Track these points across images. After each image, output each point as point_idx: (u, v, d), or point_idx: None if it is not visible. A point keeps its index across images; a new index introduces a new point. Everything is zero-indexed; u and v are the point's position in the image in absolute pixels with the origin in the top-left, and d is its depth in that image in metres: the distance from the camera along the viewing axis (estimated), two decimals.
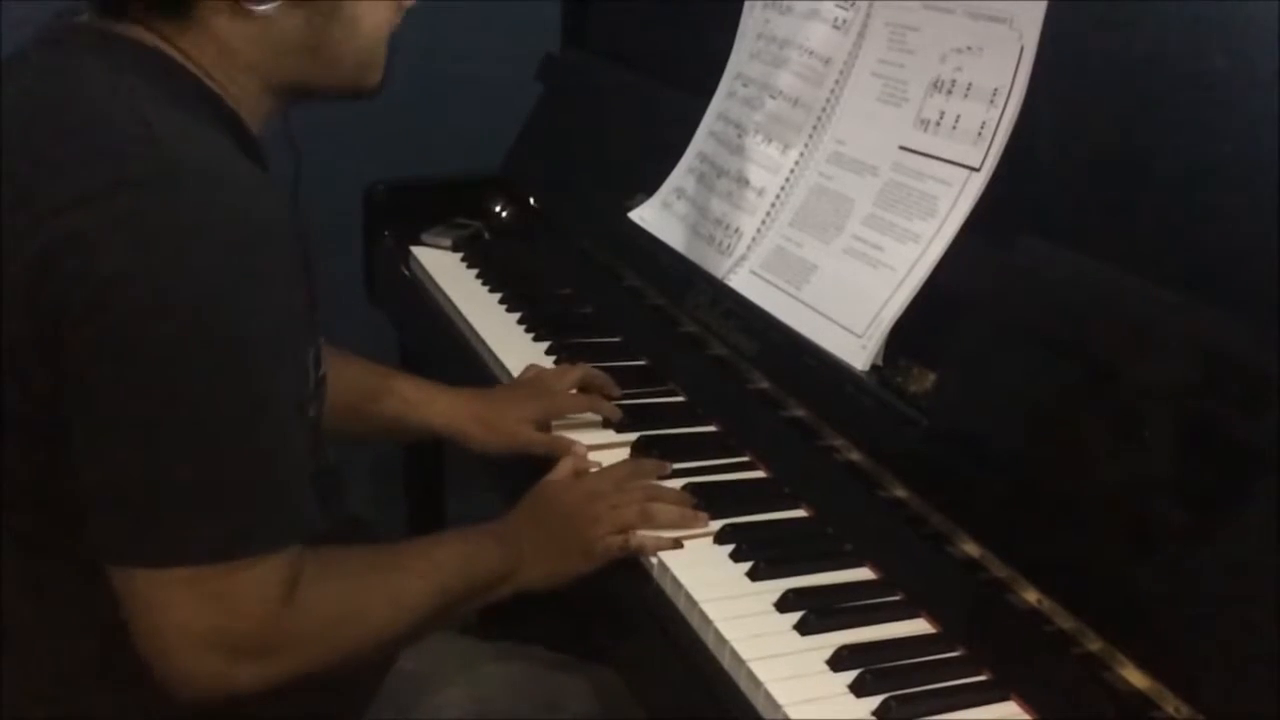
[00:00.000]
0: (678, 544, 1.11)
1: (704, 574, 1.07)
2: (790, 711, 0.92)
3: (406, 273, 1.84)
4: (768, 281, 1.34)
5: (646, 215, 1.56)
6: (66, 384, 0.87)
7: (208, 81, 0.98)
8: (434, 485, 1.99)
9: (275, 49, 1.00)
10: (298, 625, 0.93)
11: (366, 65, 1.06)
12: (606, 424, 1.33)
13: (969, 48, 1.18)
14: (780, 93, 1.41)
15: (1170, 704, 0.86)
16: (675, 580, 1.06)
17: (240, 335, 0.88)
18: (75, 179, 0.87)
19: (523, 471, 1.26)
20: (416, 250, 1.85)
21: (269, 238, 0.90)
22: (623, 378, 1.40)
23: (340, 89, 1.06)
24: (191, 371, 0.86)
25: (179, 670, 0.90)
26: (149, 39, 0.97)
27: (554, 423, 1.33)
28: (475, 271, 1.77)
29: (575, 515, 1.15)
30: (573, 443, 1.28)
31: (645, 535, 1.11)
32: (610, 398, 1.36)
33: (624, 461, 1.24)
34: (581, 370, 1.38)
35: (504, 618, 1.44)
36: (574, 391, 1.36)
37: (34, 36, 0.99)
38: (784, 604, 1.03)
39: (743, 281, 1.37)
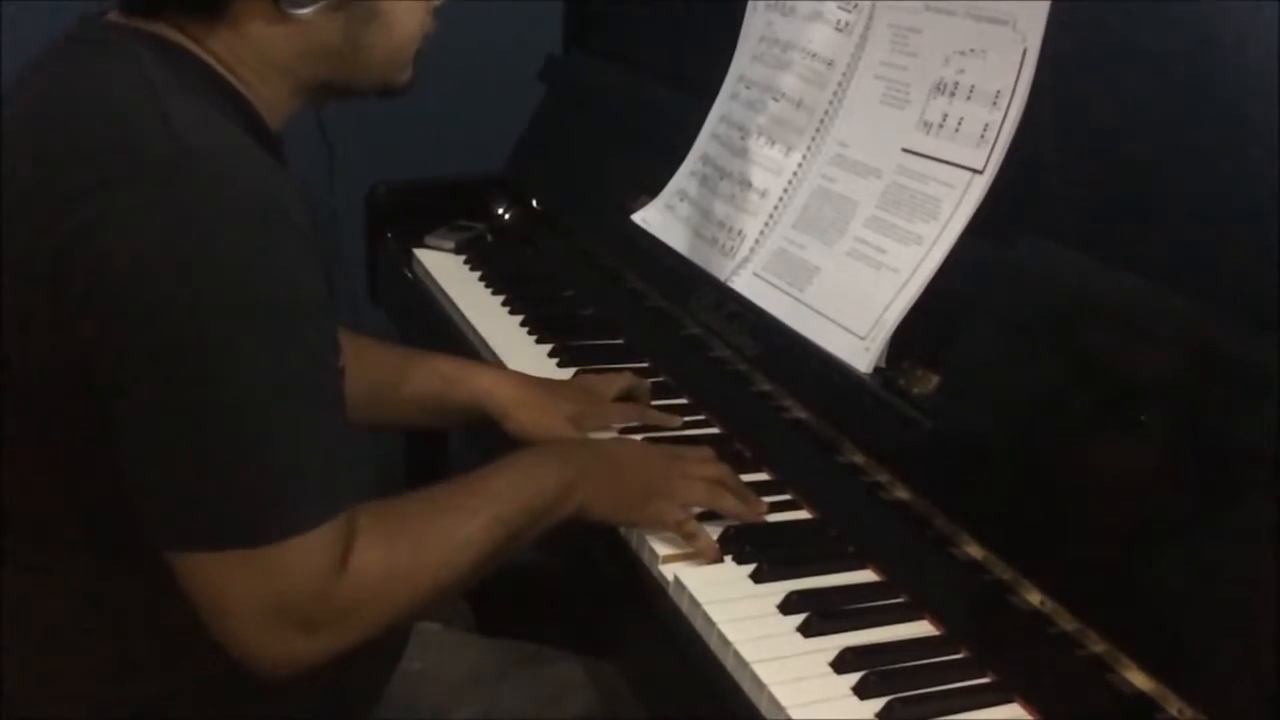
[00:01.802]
0: (719, 558, 1.10)
1: (708, 576, 1.08)
2: (794, 713, 0.92)
3: (409, 274, 1.84)
4: (770, 284, 1.34)
5: (649, 217, 1.57)
6: (97, 373, 0.88)
7: (228, 76, 0.99)
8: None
9: (310, 52, 1.00)
10: (358, 589, 0.93)
11: (397, 66, 1.07)
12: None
13: (972, 50, 1.18)
14: (783, 95, 1.41)
15: (1174, 705, 0.86)
16: (679, 582, 1.06)
17: (270, 313, 0.88)
18: (95, 166, 0.88)
19: None
20: (419, 252, 1.85)
21: (286, 219, 0.90)
22: None
23: (370, 89, 1.08)
24: (225, 355, 0.87)
25: (251, 648, 0.91)
26: (170, 34, 0.97)
27: None
28: (478, 274, 1.77)
29: (650, 465, 1.16)
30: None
31: (700, 528, 1.11)
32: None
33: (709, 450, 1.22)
34: (627, 379, 1.38)
35: (507, 616, 1.45)
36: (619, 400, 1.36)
37: (60, 35, 1.00)
38: (787, 606, 1.03)
39: (745, 283, 1.37)
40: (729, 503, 1.14)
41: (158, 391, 0.87)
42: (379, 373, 1.33)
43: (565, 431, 1.30)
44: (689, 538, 1.10)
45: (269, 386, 0.88)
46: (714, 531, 1.12)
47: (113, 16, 0.99)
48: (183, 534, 0.89)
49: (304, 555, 0.90)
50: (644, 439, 1.29)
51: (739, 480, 1.18)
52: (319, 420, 0.92)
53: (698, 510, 1.14)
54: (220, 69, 0.98)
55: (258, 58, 0.99)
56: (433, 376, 1.36)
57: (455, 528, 1.01)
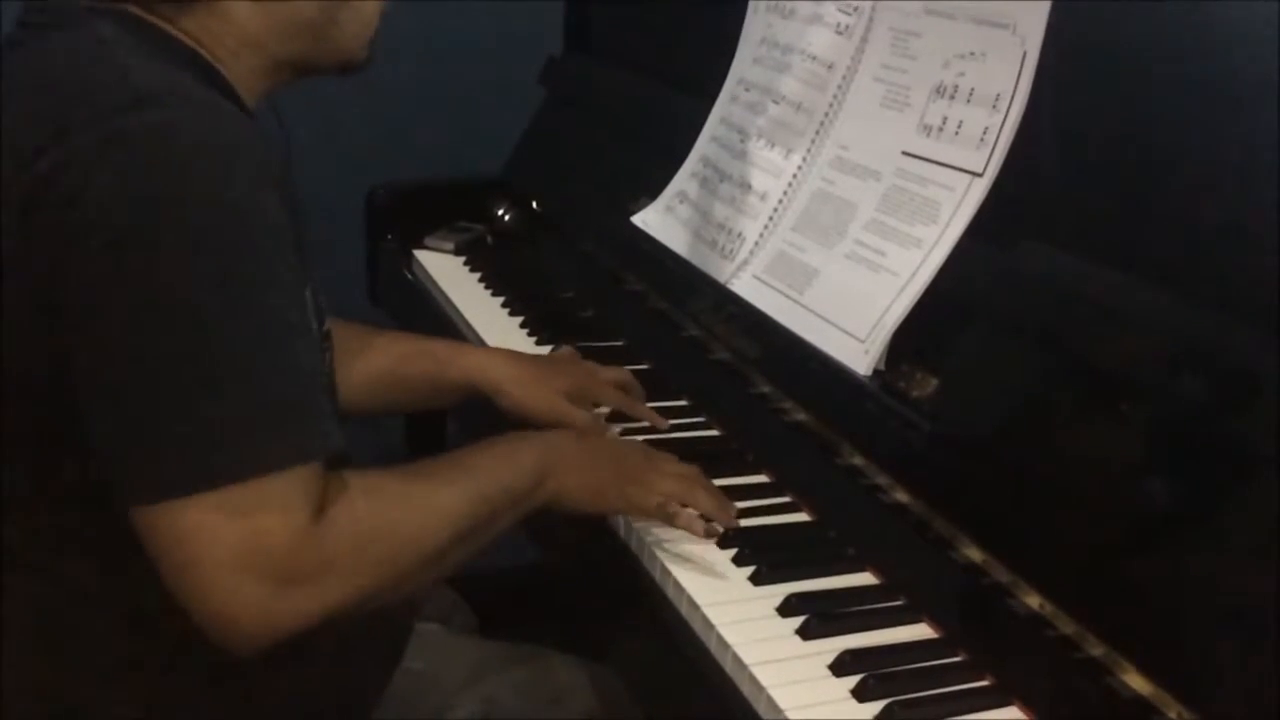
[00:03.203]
0: (711, 531, 1.10)
1: (706, 578, 1.08)
2: (792, 716, 0.92)
3: (409, 276, 1.84)
4: (770, 286, 1.34)
5: (649, 219, 1.57)
6: (65, 324, 0.87)
7: (205, 54, 0.99)
8: None
9: (286, 29, 1.01)
10: (331, 543, 0.90)
11: (363, 42, 1.08)
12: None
13: (971, 53, 1.18)
14: (783, 97, 1.42)
15: (1172, 709, 0.86)
16: (678, 584, 1.07)
17: (232, 250, 0.87)
18: (55, 120, 0.88)
19: None
20: (419, 253, 1.86)
21: (251, 161, 0.90)
22: None
23: (334, 67, 1.08)
24: (187, 291, 0.86)
25: (218, 606, 0.87)
26: (137, 11, 0.97)
27: None
28: (478, 275, 1.77)
29: (626, 456, 1.16)
30: (600, 419, 1.29)
31: (679, 508, 1.11)
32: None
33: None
34: (622, 373, 1.38)
35: (508, 617, 1.45)
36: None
37: (18, 19, 1.00)
38: (786, 608, 1.03)
39: (745, 286, 1.37)
40: (701, 496, 1.13)
41: (117, 332, 0.86)
42: (373, 358, 1.33)
43: (558, 405, 1.29)
44: (670, 518, 1.10)
45: (231, 322, 0.87)
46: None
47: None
48: (148, 483, 0.87)
49: (275, 498, 0.87)
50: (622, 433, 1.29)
51: (716, 489, 1.16)
52: (287, 356, 0.90)
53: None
54: (190, 42, 0.98)
55: (234, 36, 1.00)
56: (426, 358, 1.36)
57: (434, 494, 1.00)
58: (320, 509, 0.90)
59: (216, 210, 0.87)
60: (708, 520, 1.12)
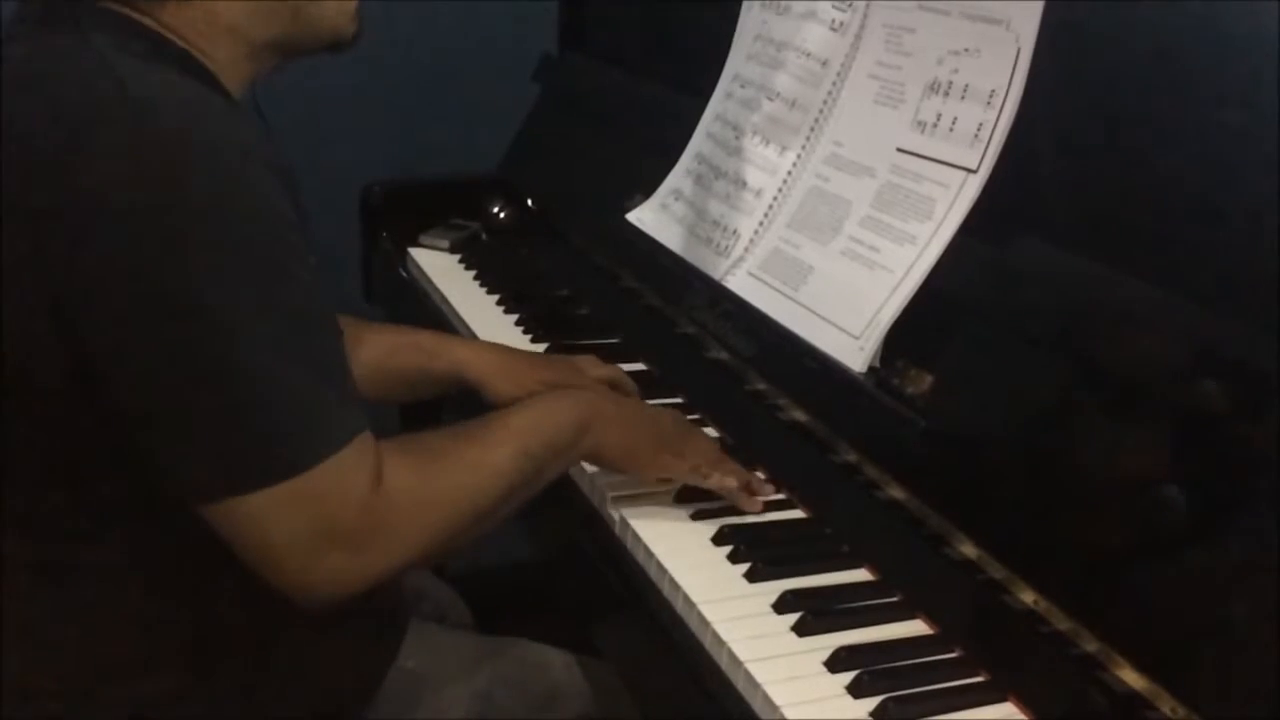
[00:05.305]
0: (749, 497, 1.16)
1: (702, 575, 1.08)
2: (788, 712, 0.92)
3: (404, 274, 1.84)
4: (765, 283, 1.34)
5: (644, 216, 1.57)
6: (88, 336, 0.88)
7: (186, 46, 0.99)
8: None
9: (262, 12, 1.01)
10: (392, 509, 0.94)
11: (347, 16, 1.07)
12: None
13: (966, 50, 1.18)
14: (777, 94, 1.42)
15: (1166, 704, 0.86)
16: (673, 581, 1.07)
17: (255, 248, 0.89)
18: (63, 133, 0.88)
19: None
20: (414, 251, 1.86)
21: (259, 160, 0.91)
22: None
23: (321, 45, 1.08)
24: (216, 294, 0.87)
25: (300, 578, 0.92)
26: (117, 8, 0.97)
27: None
28: (473, 273, 1.78)
29: (662, 422, 1.21)
30: None
31: (711, 470, 1.16)
32: None
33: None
34: (612, 369, 1.39)
35: (504, 615, 1.45)
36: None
37: (9, 19, 1.00)
38: (782, 605, 1.03)
39: (740, 283, 1.37)
40: (731, 475, 1.17)
41: (153, 342, 0.87)
42: (362, 350, 1.34)
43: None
44: (703, 479, 1.15)
45: (264, 319, 0.89)
46: (709, 529, 1.13)
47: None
48: (212, 485, 0.90)
49: (340, 473, 0.91)
50: None
51: (739, 468, 1.20)
52: (318, 344, 0.93)
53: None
54: (171, 35, 0.98)
55: (213, 25, 1.00)
56: (414, 350, 1.38)
57: (483, 455, 1.04)
58: (378, 477, 0.94)
59: (234, 211, 0.88)
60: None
